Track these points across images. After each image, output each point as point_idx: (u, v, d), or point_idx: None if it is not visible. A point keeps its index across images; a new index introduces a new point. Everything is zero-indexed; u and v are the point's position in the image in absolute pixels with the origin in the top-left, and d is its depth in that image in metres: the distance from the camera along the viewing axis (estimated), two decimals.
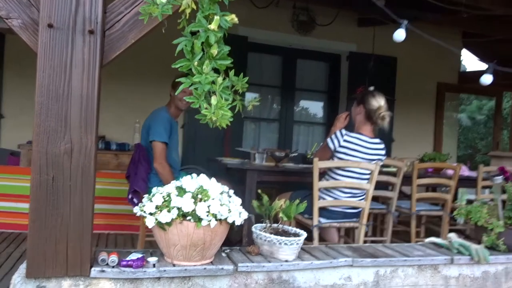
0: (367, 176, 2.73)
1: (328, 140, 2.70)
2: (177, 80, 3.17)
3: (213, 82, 1.27)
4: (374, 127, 2.74)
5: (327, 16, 5.43)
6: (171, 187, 1.67)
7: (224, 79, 1.44)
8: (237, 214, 1.68)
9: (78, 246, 1.52)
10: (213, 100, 1.25)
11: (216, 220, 1.61)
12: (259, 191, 1.95)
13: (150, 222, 1.60)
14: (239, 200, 1.78)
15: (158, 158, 2.95)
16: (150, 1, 1.36)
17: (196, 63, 1.28)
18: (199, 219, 1.58)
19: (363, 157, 2.68)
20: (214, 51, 1.28)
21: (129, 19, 1.60)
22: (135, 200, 3.04)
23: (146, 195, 1.72)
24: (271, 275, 1.74)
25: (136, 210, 1.67)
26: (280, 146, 5.82)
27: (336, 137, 2.66)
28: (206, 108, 1.25)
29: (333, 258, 1.86)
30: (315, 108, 6.29)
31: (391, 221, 3.24)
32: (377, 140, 2.76)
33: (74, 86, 1.52)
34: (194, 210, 1.57)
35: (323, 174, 2.80)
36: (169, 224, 1.58)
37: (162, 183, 3.09)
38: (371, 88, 4.04)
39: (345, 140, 2.64)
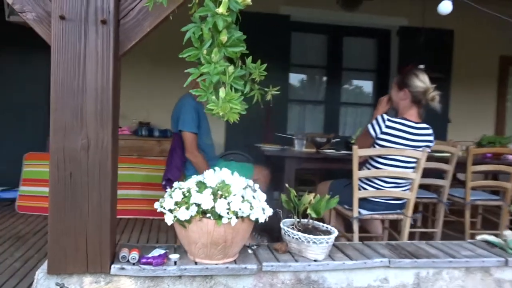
0: (413, 165, 2.51)
1: (369, 126, 2.50)
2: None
3: (224, 73, 1.15)
4: (420, 110, 2.51)
5: None
6: (191, 182, 1.60)
7: (240, 67, 1.32)
8: (261, 210, 1.58)
9: (97, 242, 1.50)
10: (221, 92, 1.14)
11: (237, 217, 1.52)
12: (287, 185, 1.83)
13: (169, 219, 1.54)
14: (264, 195, 1.67)
15: (188, 148, 2.91)
16: None
17: (205, 51, 1.17)
18: (219, 217, 1.50)
19: (408, 144, 2.46)
20: (224, 37, 1.16)
21: (144, 6, 1.51)
22: (168, 188, 3.05)
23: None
24: (298, 275, 1.63)
25: (156, 205, 1.62)
26: (326, 129, 5.61)
27: (378, 122, 2.45)
28: (214, 102, 1.15)
29: (368, 258, 1.72)
30: (364, 88, 5.98)
31: (443, 211, 2.99)
32: (424, 125, 2.52)
33: (88, 79, 1.47)
34: (213, 207, 1.49)
35: (364, 162, 2.62)
36: (188, 221, 1.51)
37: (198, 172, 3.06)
38: (421, 66, 3.74)
39: (387, 126, 2.43)
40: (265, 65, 1.35)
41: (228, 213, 1.51)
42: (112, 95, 1.49)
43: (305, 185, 4.55)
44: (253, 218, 1.56)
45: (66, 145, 1.47)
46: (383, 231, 2.88)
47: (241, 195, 1.57)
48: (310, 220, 1.80)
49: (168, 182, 3.04)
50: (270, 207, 1.65)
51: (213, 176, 1.61)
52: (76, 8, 1.45)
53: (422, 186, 3.10)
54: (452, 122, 5.51)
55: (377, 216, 2.59)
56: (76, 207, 1.49)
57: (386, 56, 5.66)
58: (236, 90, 1.21)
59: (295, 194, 1.76)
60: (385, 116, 2.45)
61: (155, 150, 4.34)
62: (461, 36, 5.44)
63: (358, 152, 2.44)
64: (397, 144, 2.45)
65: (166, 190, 2.92)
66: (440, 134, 5.29)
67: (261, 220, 1.59)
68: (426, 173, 2.76)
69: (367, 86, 5.96)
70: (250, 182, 1.71)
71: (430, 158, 2.70)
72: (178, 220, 1.53)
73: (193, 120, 2.93)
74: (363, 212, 2.56)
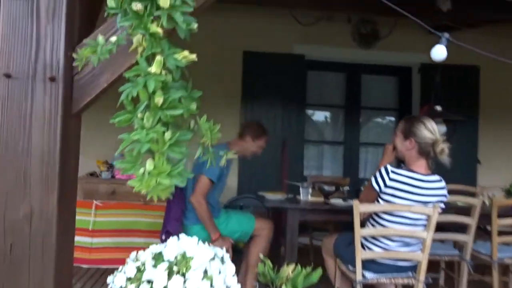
0: (423, 222, 2.23)
1: (372, 179, 2.26)
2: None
3: (157, 140, 0.99)
4: (429, 161, 2.25)
5: (391, 26, 4.91)
6: (148, 253, 1.41)
7: (190, 127, 1.16)
8: None
9: None
10: (149, 164, 0.97)
11: None
12: (261, 256, 1.61)
13: None
14: (232, 269, 1.46)
15: (197, 193, 2.76)
16: (91, 42, 1.14)
17: (139, 114, 1.02)
18: None
19: (417, 199, 2.20)
20: (159, 99, 1.00)
21: (100, 60, 1.39)
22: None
23: None
24: None
25: (109, 280, 1.44)
26: (346, 171, 5.35)
27: (381, 175, 2.21)
28: (139, 177, 0.98)
29: None
30: (385, 127, 5.71)
31: (466, 271, 2.66)
32: (435, 177, 2.26)
33: (34, 140, 1.34)
34: (165, 286, 1.29)
35: (368, 218, 2.36)
36: None
37: (199, 221, 2.89)
38: (438, 107, 3.48)
39: (391, 179, 2.19)
40: (218, 126, 1.18)
41: None
42: (59, 157, 1.35)
43: (319, 231, 4.27)
44: None
45: (7, 214, 1.33)
46: None
47: (203, 269, 1.37)
48: None
49: (167, 235, 2.87)
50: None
51: (173, 246, 1.42)
52: (24, 66, 1.35)
53: (439, 240, 2.79)
54: (482, 163, 5.12)
55: (384, 279, 2.30)
56: (16, 283, 1.33)
57: (407, 94, 5.41)
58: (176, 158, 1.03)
59: (270, 266, 1.54)
60: (389, 168, 2.21)
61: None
62: (488, 71, 5.14)
63: (360, 208, 2.20)
64: (404, 199, 2.19)
65: None
66: (469, 177, 4.91)
67: None
68: (446, 226, 2.48)
69: (388, 126, 5.69)
70: (220, 252, 1.51)
71: (451, 208, 2.42)
72: None
73: (219, 171, 2.81)
74: (369, 275, 2.28)
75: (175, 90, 1.05)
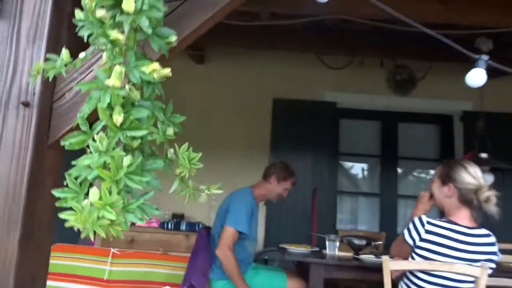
0: (469, 285, 1.86)
1: (405, 231, 1.94)
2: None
3: (108, 167, 0.80)
4: (473, 213, 1.91)
5: (426, 70, 4.67)
6: None
7: (167, 156, 0.97)
8: None
9: None
10: (92, 194, 0.77)
11: None
12: None
13: None
14: None
15: (222, 245, 2.51)
16: (53, 57, 1.00)
17: (95, 136, 0.84)
18: None
19: (460, 256, 1.84)
20: (117, 118, 0.82)
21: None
22: None
23: None
24: None
25: None
26: (382, 225, 4.93)
27: (415, 226, 1.89)
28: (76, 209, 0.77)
29: None
30: (425, 179, 5.29)
31: None
32: (482, 231, 1.91)
33: (0, 172, 1.20)
34: None
35: (401, 276, 2.02)
36: None
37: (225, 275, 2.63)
38: (483, 155, 3.12)
39: (427, 231, 1.86)
40: (199, 155, 0.97)
41: None
42: (26, 193, 1.19)
43: None
44: None
45: None
46: None
47: None
48: None
49: None
50: None
51: None
52: None
53: None
54: None
55: None
56: None
57: (449, 144, 5.02)
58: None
59: None
60: (425, 218, 1.89)
61: (183, 246, 3.97)
62: None
63: (390, 266, 1.87)
64: (444, 255, 1.84)
65: None
66: None
67: None
68: None
69: (429, 176, 5.26)
70: None
71: (503, 272, 2.03)
72: None
73: (247, 219, 2.59)
74: None
75: (140, 107, 0.87)
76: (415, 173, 5.29)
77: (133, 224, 3.97)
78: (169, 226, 3.91)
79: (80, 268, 3.72)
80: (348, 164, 5.21)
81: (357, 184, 5.22)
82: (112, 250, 3.73)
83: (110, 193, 0.78)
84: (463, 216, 1.92)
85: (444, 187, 1.95)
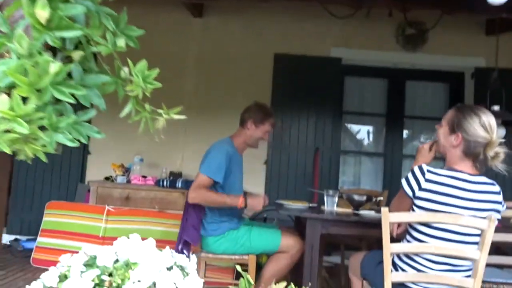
0: (475, 238, 1.73)
1: (403, 182, 1.79)
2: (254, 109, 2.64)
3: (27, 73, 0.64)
4: (475, 163, 1.75)
5: (441, 26, 4.38)
6: (80, 257, 1.05)
7: (119, 71, 0.81)
8: None
9: None
10: (1, 102, 0.61)
11: None
12: (239, 268, 1.20)
13: None
14: (195, 285, 1.07)
15: (192, 188, 2.43)
16: None
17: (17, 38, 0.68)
18: None
19: (463, 205, 1.70)
20: (41, 13, 0.65)
21: None
22: (185, 252, 2.53)
23: None
24: None
25: None
26: (386, 184, 4.80)
27: (414, 176, 1.74)
28: None
29: None
30: (432, 138, 5.10)
31: None
32: (485, 179, 1.75)
33: None
34: None
35: (404, 233, 1.89)
36: None
37: (220, 230, 2.54)
38: (495, 107, 2.93)
39: (428, 180, 1.71)
40: (156, 71, 0.81)
41: None
42: None
43: (353, 249, 3.76)
44: None
45: None
46: None
47: (150, 282, 0.99)
48: None
49: (184, 246, 2.54)
50: None
51: (114, 249, 1.06)
52: None
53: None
54: None
55: None
56: None
57: (458, 103, 4.80)
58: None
59: (252, 283, 1.12)
60: (425, 167, 1.73)
61: (179, 203, 3.88)
62: None
63: (390, 217, 1.73)
64: (445, 205, 1.70)
65: (184, 254, 2.42)
66: None
67: None
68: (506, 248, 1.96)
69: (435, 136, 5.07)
70: (182, 260, 1.12)
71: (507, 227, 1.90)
72: None
73: (218, 167, 2.46)
74: None
75: (75, 5, 0.70)
76: (421, 133, 5.10)
77: (128, 181, 3.88)
78: (165, 183, 3.81)
79: (75, 225, 3.66)
80: (352, 124, 5.02)
81: (361, 144, 5.06)
82: (107, 207, 3.66)
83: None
84: (465, 166, 1.76)
85: (452, 135, 1.78)
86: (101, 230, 3.59)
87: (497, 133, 1.75)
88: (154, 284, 1.00)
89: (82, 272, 1.00)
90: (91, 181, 3.88)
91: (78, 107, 0.74)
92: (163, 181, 3.81)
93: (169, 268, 1.07)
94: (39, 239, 3.77)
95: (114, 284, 0.96)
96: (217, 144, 2.59)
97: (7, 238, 4.34)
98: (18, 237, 4.37)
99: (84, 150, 4.61)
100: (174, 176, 3.98)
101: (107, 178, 3.95)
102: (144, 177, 3.96)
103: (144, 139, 4.50)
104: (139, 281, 0.98)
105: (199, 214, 2.60)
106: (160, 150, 4.50)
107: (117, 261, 1.04)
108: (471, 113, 1.77)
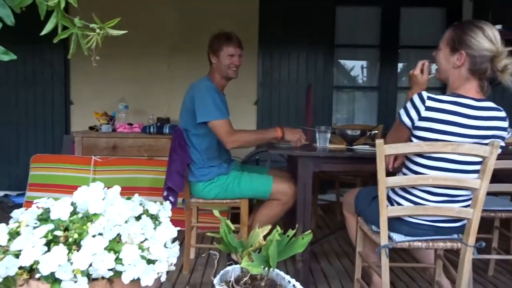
0: (476, 167, 1.61)
1: (401, 111, 1.64)
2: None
3: None
4: (481, 84, 1.60)
5: None
6: (33, 212, 0.93)
7: None
8: (143, 265, 0.86)
9: None
10: None
11: (91, 279, 0.82)
12: (216, 211, 1.08)
13: None
14: (171, 233, 0.95)
15: (224, 138, 2.31)
16: None
17: None
18: (54, 280, 0.81)
19: (466, 133, 1.57)
20: None
21: None
22: (171, 198, 2.43)
23: None
24: None
25: None
26: (380, 119, 4.67)
27: (413, 104, 1.59)
28: None
29: None
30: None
31: None
32: (491, 104, 1.61)
33: None
34: (36, 261, 0.80)
35: (401, 167, 1.77)
36: (6, 284, 0.84)
37: (209, 175, 2.43)
38: (498, 26, 2.71)
39: (428, 108, 1.56)
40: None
41: (73, 271, 0.81)
42: None
43: (348, 186, 3.70)
44: (126, 279, 0.84)
45: None
46: (436, 261, 1.99)
47: (113, 235, 0.87)
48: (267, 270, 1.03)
49: (170, 192, 2.43)
50: None
51: (70, 200, 0.93)
52: None
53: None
54: None
55: (419, 244, 1.72)
56: None
57: None
58: None
59: (231, 228, 1.01)
60: (425, 94, 1.58)
61: (168, 149, 3.74)
62: None
63: (385, 150, 1.61)
64: (447, 134, 1.57)
65: (170, 202, 2.31)
66: None
67: (147, 283, 0.87)
68: (502, 175, 1.86)
69: (433, 67, 4.87)
70: (153, 207, 1.00)
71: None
72: None
73: (223, 103, 2.40)
74: (398, 238, 1.72)
75: None
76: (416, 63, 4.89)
77: (114, 130, 3.72)
78: (152, 130, 3.65)
79: (63, 177, 3.55)
80: (345, 57, 4.79)
81: (354, 79, 4.86)
82: (93, 157, 3.53)
83: None
84: (470, 88, 1.60)
85: (454, 55, 1.61)
86: (89, 181, 3.49)
87: (502, 43, 1.58)
88: (119, 236, 0.88)
89: (35, 227, 0.88)
90: (75, 132, 3.72)
91: None
92: (149, 128, 3.66)
93: (138, 218, 0.95)
94: (28, 193, 3.68)
95: (71, 239, 0.84)
96: (202, 86, 2.41)
97: None
98: (8, 192, 4.29)
99: (66, 100, 4.41)
100: (162, 122, 3.82)
101: (91, 128, 3.79)
102: (130, 124, 3.79)
103: (129, 84, 4.29)
104: (100, 234, 0.86)
105: (184, 159, 2.47)
106: (145, 95, 4.31)
107: (74, 213, 0.91)
108: (472, 26, 1.59)
